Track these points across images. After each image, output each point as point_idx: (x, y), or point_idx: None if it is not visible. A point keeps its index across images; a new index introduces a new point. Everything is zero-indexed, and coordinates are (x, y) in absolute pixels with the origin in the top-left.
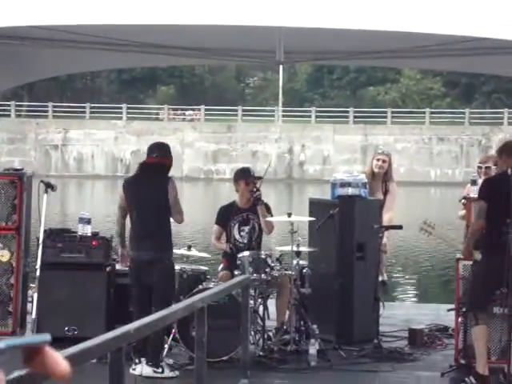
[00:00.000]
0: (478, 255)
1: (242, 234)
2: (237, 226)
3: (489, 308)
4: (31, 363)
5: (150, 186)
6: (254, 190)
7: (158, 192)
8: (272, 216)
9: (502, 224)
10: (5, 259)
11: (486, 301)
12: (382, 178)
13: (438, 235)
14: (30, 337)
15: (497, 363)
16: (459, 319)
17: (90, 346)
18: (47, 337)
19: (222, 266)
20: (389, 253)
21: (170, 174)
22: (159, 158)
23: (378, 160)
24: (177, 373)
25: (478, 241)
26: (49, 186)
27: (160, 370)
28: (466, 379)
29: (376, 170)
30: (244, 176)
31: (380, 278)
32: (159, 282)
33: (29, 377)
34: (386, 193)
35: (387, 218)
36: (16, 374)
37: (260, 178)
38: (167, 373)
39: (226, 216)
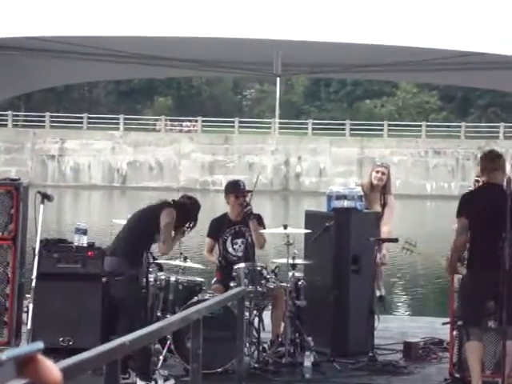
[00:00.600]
0: (463, 270)
1: (235, 247)
2: (230, 238)
3: (483, 323)
4: (25, 372)
5: (140, 210)
6: (245, 204)
7: (143, 215)
8: (264, 227)
9: (484, 239)
10: None
11: (477, 316)
12: (380, 190)
13: (420, 253)
14: (26, 346)
15: (491, 377)
16: (454, 333)
17: (86, 358)
18: (40, 345)
19: (215, 279)
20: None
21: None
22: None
23: (378, 172)
24: (172, 381)
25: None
26: (45, 197)
27: (153, 382)
28: None
29: (375, 182)
30: (233, 190)
31: (377, 293)
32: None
33: None
34: (384, 205)
35: (386, 230)
36: None
37: (250, 191)
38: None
39: (218, 228)
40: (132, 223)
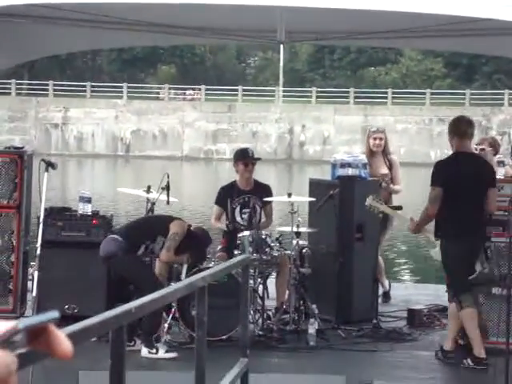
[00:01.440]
0: (431, 236)
1: (243, 216)
2: (238, 208)
3: (472, 289)
4: (35, 342)
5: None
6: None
7: (156, 216)
8: (272, 196)
9: (458, 208)
10: None
11: (464, 283)
12: (381, 154)
13: (386, 210)
14: (41, 315)
15: (496, 344)
16: None
17: (91, 324)
18: (56, 314)
19: (220, 246)
20: (388, 236)
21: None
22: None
23: (375, 139)
24: (174, 354)
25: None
26: (49, 165)
27: (154, 350)
28: (464, 361)
29: (375, 148)
30: (242, 157)
31: (381, 290)
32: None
33: (32, 355)
34: (390, 167)
35: (398, 188)
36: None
37: (258, 158)
38: (162, 353)
39: (227, 197)
40: (143, 218)
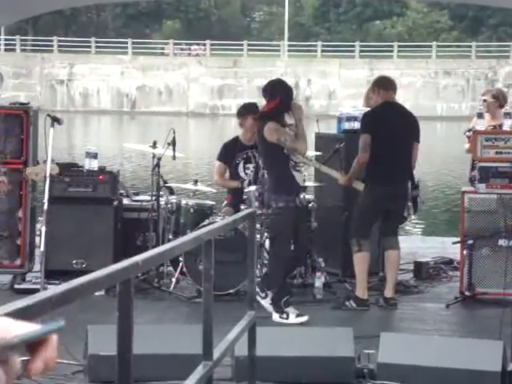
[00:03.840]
0: (360, 185)
1: (246, 171)
2: (242, 163)
3: (371, 236)
4: (31, 350)
5: None
6: None
7: None
8: None
9: (385, 155)
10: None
11: (369, 229)
12: None
13: (316, 167)
14: (44, 326)
15: (503, 295)
16: (464, 252)
17: (99, 277)
18: (61, 324)
19: (225, 202)
20: None
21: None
22: None
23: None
24: (305, 318)
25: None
26: (55, 120)
27: (285, 315)
28: (347, 303)
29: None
30: (252, 111)
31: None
32: None
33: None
34: None
35: None
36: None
37: None
38: (292, 318)
39: (230, 153)
40: None
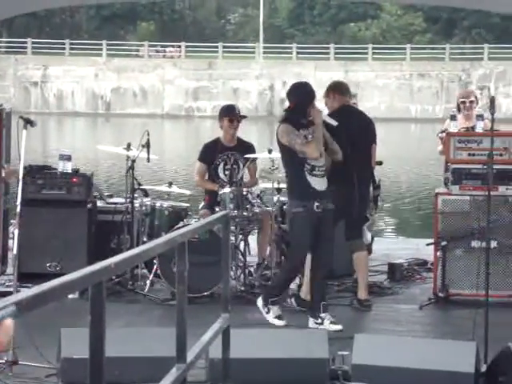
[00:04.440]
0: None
1: (226, 173)
2: (221, 165)
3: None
4: None
5: None
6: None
7: None
8: (255, 153)
9: (346, 158)
10: None
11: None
12: None
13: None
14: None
15: (476, 296)
16: (438, 253)
17: (71, 280)
18: (13, 308)
19: (203, 203)
20: None
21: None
22: None
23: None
24: (282, 322)
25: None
26: (28, 122)
27: (266, 309)
28: (288, 300)
29: None
30: (228, 113)
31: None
32: None
33: None
34: None
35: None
36: None
37: (244, 116)
38: (270, 317)
39: (211, 153)
40: None
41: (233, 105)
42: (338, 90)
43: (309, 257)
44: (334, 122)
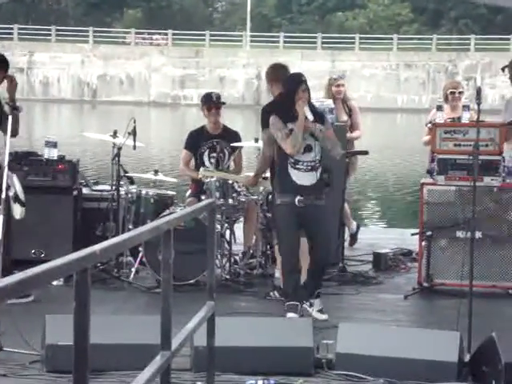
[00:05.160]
0: (265, 182)
1: (211, 160)
2: (207, 152)
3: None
4: None
5: None
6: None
7: None
8: (240, 141)
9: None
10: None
11: None
12: (341, 100)
13: (219, 175)
14: None
15: (460, 286)
16: (423, 243)
17: (56, 266)
18: None
19: (189, 191)
20: (353, 178)
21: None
22: None
23: (339, 86)
24: (324, 316)
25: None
26: (14, 108)
27: (308, 304)
28: (271, 293)
29: (338, 96)
30: (205, 102)
31: (346, 233)
32: None
33: None
34: (350, 113)
35: (356, 135)
36: None
37: (222, 103)
38: (314, 312)
39: (196, 141)
40: None
41: (210, 93)
42: (274, 79)
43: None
44: (310, 117)
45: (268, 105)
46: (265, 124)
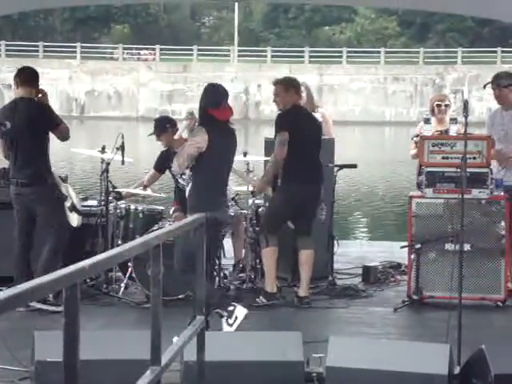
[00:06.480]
0: (269, 191)
1: (184, 177)
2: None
3: (279, 231)
4: None
5: None
6: None
7: None
8: None
9: (302, 154)
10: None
11: (278, 225)
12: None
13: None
14: None
15: (449, 299)
16: (412, 256)
17: (45, 282)
18: None
19: (173, 208)
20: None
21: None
22: None
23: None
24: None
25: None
26: (1, 125)
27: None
28: (258, 300)
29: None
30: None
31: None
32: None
33: None
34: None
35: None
36: None
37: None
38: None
39: (162, 161)
40: None
41: (161, 117)
42: (294, 87)
43: (274, 251)
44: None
45: (285, 113)
46: (282, 127)
